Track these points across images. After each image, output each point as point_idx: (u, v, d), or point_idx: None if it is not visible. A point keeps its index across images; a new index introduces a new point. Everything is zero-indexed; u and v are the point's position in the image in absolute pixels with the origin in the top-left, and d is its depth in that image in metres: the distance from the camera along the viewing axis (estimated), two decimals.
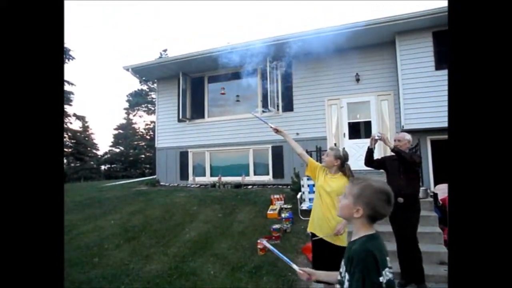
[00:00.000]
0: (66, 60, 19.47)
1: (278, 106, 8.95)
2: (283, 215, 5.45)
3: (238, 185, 8.74)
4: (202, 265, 4.02)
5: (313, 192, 5.22)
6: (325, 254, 2.82)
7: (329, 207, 2.85)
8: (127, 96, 36.61)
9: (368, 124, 8.13)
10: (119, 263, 4.24)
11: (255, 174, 9.32)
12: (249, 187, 8.65)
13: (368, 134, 7.83)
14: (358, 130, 8.31)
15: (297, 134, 8.26)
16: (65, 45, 19.42)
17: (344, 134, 8.24)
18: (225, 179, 9.30)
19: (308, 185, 6.02)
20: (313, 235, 2.92)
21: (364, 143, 7.24)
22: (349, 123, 8.29)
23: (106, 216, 6.72)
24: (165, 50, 33.78)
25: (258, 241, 4.34)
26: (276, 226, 5.00)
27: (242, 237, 4.90)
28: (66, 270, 4.11)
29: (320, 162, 3.27)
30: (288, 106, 8.92)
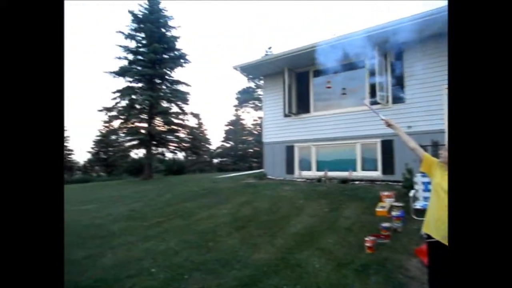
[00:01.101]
0: (183, 64, 21.60)
1: (387, 97, 8.40)
2: (393, 213, 5.12)
3: (344, 180, 8.53)
4: (308, 258, 4.07)
5: (428, 190, 4.77)
6: (442, 259, 2.57)
7: (447, 206, 2.59)
8: (236, 93, 38.96)
9: None
10: (230, 249, 4.59)
11: (362, 169, 8.95)
12: (356, 182, 8.36)
13: None
14: None
15: (409, 127, 7.60)
16: (182, 51, 21.52)
17: None
18: (331, 174, 9.17)
19: (423, 183, 5.53)
20: (429, 236, 2.69)
21: None
22: None
23: (219, 205, 7.32)
24: (269, 48, 34.81)
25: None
26: (386, 224, 4.74)
27: (348, 233, 4.79)
28: (187, 251, 4.64)
29: (437, 158, 2.98)
30: (398, 97, 8.28)
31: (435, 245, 2.62)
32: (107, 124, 26.43)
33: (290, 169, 10.50)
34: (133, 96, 20.36)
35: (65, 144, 40.23)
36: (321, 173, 9.46)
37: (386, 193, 6.07)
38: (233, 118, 41.15)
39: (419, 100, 7.94)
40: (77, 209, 9.24)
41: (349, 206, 6.11)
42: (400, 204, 5.36)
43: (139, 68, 20.11)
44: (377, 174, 8.56)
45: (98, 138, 38.49)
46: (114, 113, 20.77)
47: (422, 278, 3.36)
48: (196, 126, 35.84)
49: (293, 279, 3.55)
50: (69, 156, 43.30)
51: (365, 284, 3.38)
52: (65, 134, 42.91)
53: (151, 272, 4.01)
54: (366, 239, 4.26)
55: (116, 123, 21.76)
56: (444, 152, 2.74)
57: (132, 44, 20.84)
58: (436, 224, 2.66)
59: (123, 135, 21.57)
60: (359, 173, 8.90)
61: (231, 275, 3.76)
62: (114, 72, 20.16)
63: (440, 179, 2.69)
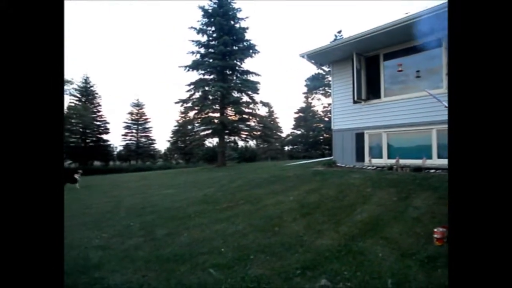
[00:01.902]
0: (253, 54, 22.02)
1: None
2: None
3: (417, 169, 8.10)
4: (371, 246, 4.06)
5: None
6: None
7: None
8: (305, 81, 38.56)
9: None
10: (295, 234, 4.76)
11: (438, 157, 8.39)
12: (431, 171, 7.88)
13: None
14: None
15: None
16: (250, 41, 21.95)
17: None
18: (403, 161, 8.76)
19: None
20: None
21: None
22: None
23: (286, 192, 7.52)
24: (339, 32, 33.66)
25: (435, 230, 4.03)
26: None
27: (416, 224, 4.63)
28: (254, 234, 4.92)
29: None
30: None
31: None
32: (183, 115, 28.33)
33: (359, 156, 10.26)
34: (206, 88, 21.51)
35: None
36: (392, 161, 9.09)
37: None
38: (303, 105, 40.88)
39: None
40: (160, 193, 10.27)
41: (420, 195, 5.84)
42: None
43: (210, 60, 21.09)
44: None
45: (176, 128, 41.39)
46: (189, 104, 22.17)
47: None
48: (267, 114, 36.44)
49: (354, 266, 3.59)
50: (152, 145, 47.37)
51: (430, 276, 3.30)
52: (148, 125, 46.82)
53: (220, 251, 4.37)
54: (435, 230, 4.08)
55: (191, 114, 23.27)
56: None
57: (204, 38, 21.88)
58: None
59: (198, 125, 22.99)
60: (435, 161, 8.36)
61: (293, 258, 3.94)
62: (187, 66, 21.43)
63: None
